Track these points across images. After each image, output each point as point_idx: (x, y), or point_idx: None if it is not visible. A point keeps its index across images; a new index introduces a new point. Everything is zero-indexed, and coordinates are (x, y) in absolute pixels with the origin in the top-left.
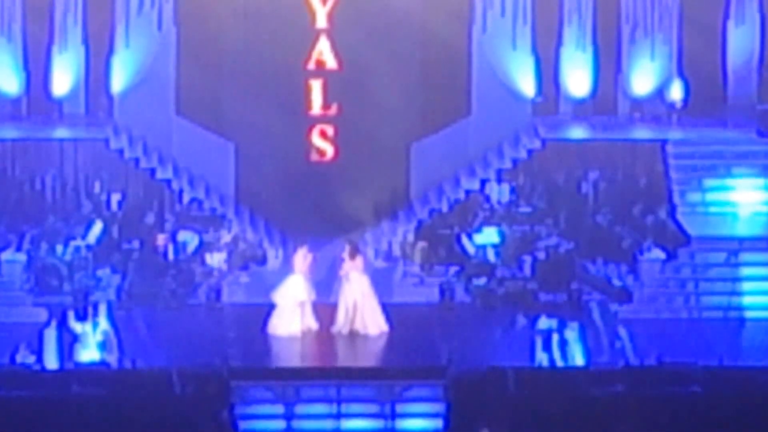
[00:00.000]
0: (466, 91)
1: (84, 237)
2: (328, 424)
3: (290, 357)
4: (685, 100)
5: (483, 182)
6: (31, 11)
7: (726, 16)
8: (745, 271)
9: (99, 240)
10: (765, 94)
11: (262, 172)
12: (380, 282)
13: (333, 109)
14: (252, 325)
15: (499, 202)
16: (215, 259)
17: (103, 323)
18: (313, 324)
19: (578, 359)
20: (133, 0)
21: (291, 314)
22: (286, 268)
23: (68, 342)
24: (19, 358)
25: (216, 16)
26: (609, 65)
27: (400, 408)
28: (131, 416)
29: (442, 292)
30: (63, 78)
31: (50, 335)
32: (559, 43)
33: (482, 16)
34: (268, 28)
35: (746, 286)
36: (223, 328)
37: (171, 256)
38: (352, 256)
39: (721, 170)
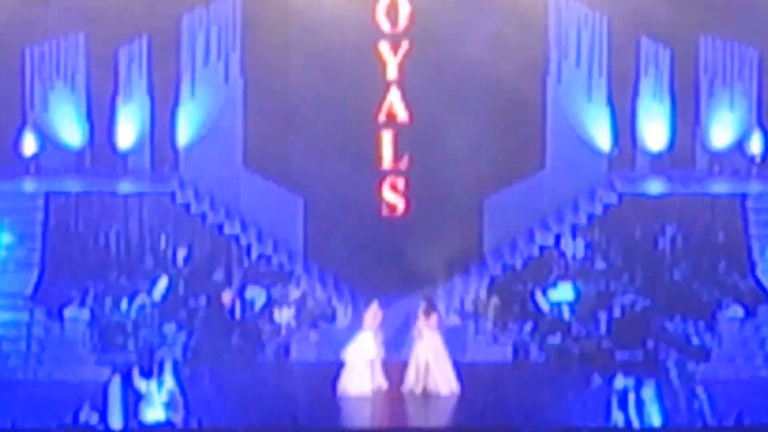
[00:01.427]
0: (541, 144)
1: (149, 293)
2: None
3: (360, 417)
4: (765, 154)
5: (557, 237)
6: (95, 61)
7: None
8: None
9: (164, 296)
10: None
11: (332, 227)
12: (452, 340)
13: (404, 162)
14: (321, 384)
15: (574, 258)
16: (283, 316)
17: (169, 381)
18: (383, 383)
19: (655, 420)
20: (200, 51)
21: (361, 373)
22: (356, 325)
23: (133, 401)
24: (82, 418)
25: (284, 67)
26: (687, 117)
27: None
28: None
29: (515, 350)
30: (127, 130)
31: (114, 394)
32: (635, 94)
33: (557, 66)
34: (337, 79)
35: None
36: (291, 386)
37: (238, 313)
38: (427, 313)
39: None
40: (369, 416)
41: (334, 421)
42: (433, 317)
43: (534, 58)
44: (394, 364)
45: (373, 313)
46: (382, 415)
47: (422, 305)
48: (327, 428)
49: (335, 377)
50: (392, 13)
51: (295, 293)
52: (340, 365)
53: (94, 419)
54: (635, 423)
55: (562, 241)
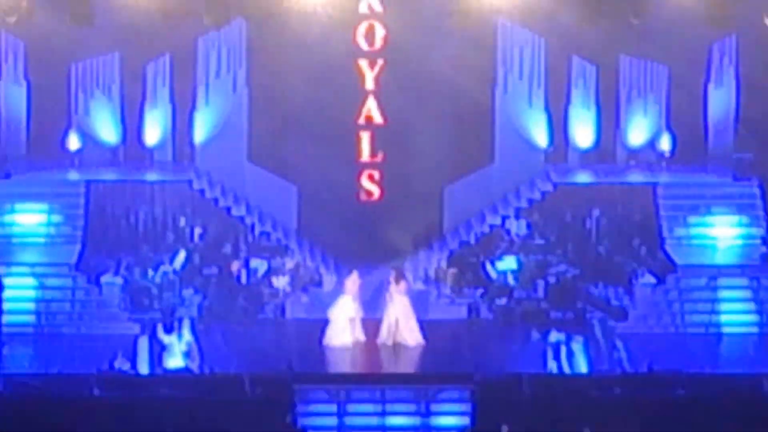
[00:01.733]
0: (490, 142)
1: (171, 263)
2: (374, 421)
3: (342, 364)
4: (673, 150)
5: (504, 218)
6: (128, 74)
7: (707, 80)
8: (723, 293)
9: (183, 266)
10: (739, 145)
11: (320, 210)
12: (418, 302)
13: (379, 157)
14: (311, 337)
15: (517, 235)
16: (280, 282)
17: (187, 335)
18: (361, 337)
19: (582, 367)
20: (212, 65)
21: (343, 328)
22: (339, 289)
23: (157, 351)
24: (116, 365)
25: (282, 79)
26: (609, 121)
27: (434, 407)
28: (209, 415)
29: (469, 310)
30: (153, 130)
31: (142, 346)
32: (567, 102)
33: (503, 79)
34: (325, 89)
35: (723, 306)
36: (286, 340)
37: (244, 279)
38: (397, 280)
39: (702, 209)
40: (349, 363)
41: (322, 368)
42: (402, 283)
43: (485, 73)
44: (370, 321)
45: (353, 280)
46: (360, 363)
47: (393, 274)
48: (315, 373)
49: (322, 332)
50: (370, 35)
51: (289, 263)
52: (325, 322)
53: (126, 366)
54: (566, 369)
55: (508, 222)
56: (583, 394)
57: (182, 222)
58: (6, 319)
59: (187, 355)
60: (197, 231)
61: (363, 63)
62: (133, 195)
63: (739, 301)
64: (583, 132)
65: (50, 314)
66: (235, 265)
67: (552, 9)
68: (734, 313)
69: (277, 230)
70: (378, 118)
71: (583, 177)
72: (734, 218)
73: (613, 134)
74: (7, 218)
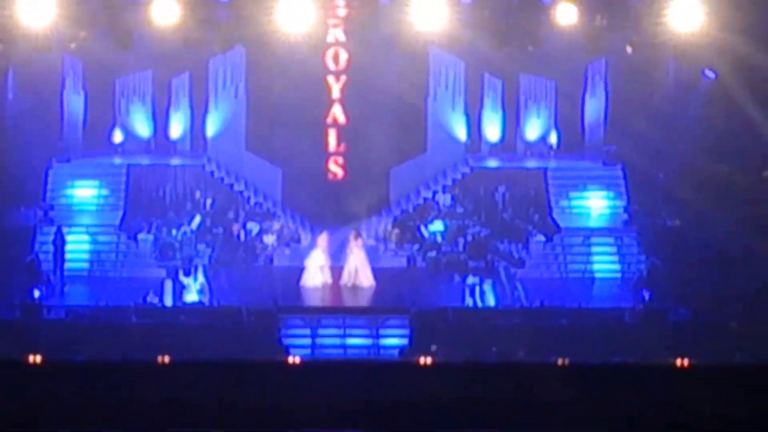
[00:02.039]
0: (424, 137)
1: (189, 225)
2: (337, 341)
3: (314, 300)
4: (558, 143)
5: (434, 193)
6: (157, 86)
7: (584, 91)
8: (594, 249)
9: (198, 227)
10: (607, 139)
11: (298, 186)
12: (371, 254)
13: (342, 147)
14: (291, 280)
15: (444, 205)
16: (269, 239)
17: (200, 278)
18: (329, 279)
19: (491, 302)
20: (220, 79)
21: (314, 273)
22: (313, 245)
23: (179, 290)
24: (148, 299)
25: (271, 89)
26: (511, 122)
27: (381, 332)
28: (217, 336)
29: (408, 261)
30: (176, 128)
31: (167, 286)
32: (481, 107)
33: (434, 90)
34: (302, 96)
35: (595, 258)
36: (273, 282)
37: (242, 237)
38: (356, 238)
39: (580, 186)
40: (320, 299)
41: (299, 302)
42: (359, 240)
43: (420, 85)
44: (335, 268)
45: (323, 238)
46: (328, 299)
47: (353, 233)
48: (294, 306)
49: (299, 276)
50: (336, 58)
51: (276, 225)
52: (302, 269)
53: (156, 300)
54: (479, 304)
55: (437, 195)
56: (491, 322)
57: (197, 195)
58: (67, 265)
59: (200, 292)
60: (208, 201)
61: (330, 78)
62: (162, 175)
63: (607, 255)
64: (492, 130)
65: (99, 262)
66: (236, 227)
67: (469, 38)
68: (603, 263)
69: (267, 201)
70: (342, 119)
71: (493, 162)
72: (603, 193)
73: (514, 131)
74: (68, 192)
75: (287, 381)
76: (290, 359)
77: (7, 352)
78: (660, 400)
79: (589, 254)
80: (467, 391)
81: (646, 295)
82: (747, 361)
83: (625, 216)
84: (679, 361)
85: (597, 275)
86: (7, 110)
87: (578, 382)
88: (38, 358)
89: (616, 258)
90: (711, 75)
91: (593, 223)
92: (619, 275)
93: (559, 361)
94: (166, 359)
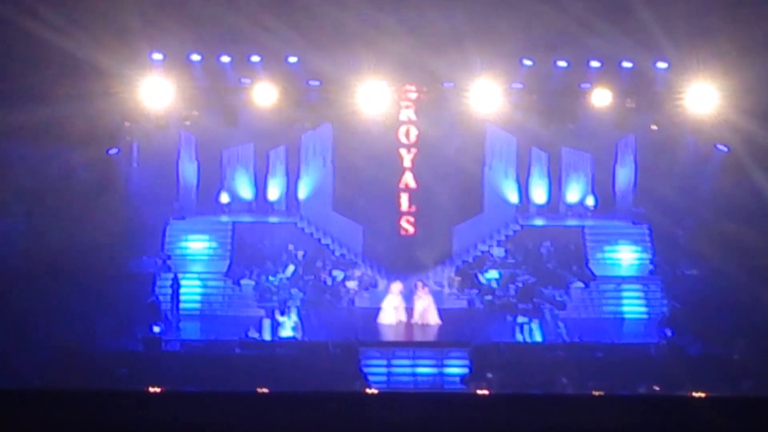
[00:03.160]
0: (480, 200)
1: (284, 272)
2: (408, 370)
3: (389, 335)
4: (595, 205)
5: (490, 247)
6: (258, 156)
7: (615, 162)
8: (625, 294)
9: (292, 275)
10: (636, 202)
11: (375, 241)
12: (436, 297)
13: (413, 208)
14: (370, 318)
15: (498, 257)
16: (351, 285)
17: (294, 317)
18: (402, 318)
19: (537, 338)
20: (310, 151)
21: (389, 313)
22: (388, 289)
23: (275, 327)
24: (249, 334)
25: (353, 159)
26: (555, 187)
27: (446, 362)
28: (307, 365)
29: (468, 303)
30: (274, 191)
31: (266, 323)
32: (529, 174)
33: (489, 160)
34: (379, 165)
35: (625, 301)
36: (355, 320)
37: (329, 283)
38: (423, 287)
39: (613, 241)
40: (394, 335)
41: (377, 337)
42: (426, 288)
43: (478, 156)
44: (407, 309)
45: (396, 284)
46: (401, 335)
47: (420, 283)
48: (373, 341)
49: (376, 315)
50: (407, 133)
51: (357, 273)
52: (379, 309)
53: (256, 336)
54: (527, 340)
55: (492, 249)
56: (538, 354)
57: (291, 247)
58: (182, 305)
59: (293, 329)
60: (300, 253)
61: (403, 150)
62: (261, 231)
63: (635, 299)
64: (539, 194)
65: (209, 303)
66: (324, 274)
67: (520, 117)
68: (632, 306)
69: (350, 253)
70: (412, 184)
71: (539, 221)
72: (632, 247)
73: (557, 195)
74: (183, 244)
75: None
76: (368, 390)
77: (132, 378)
78: (679, 428)
79: (621, 298)
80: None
81: (669, 333)
82: (757, 394)
83: (651, 266)
84: (696, 393)
85: (627, 316)
86: (132, 176)
87: (611, 411)
88: (158, 389)
89: (643, 301)
90: (723, 149)
91: (624, 272)
92: (645, 316)
93: (595, 393)
94: (265, 390)
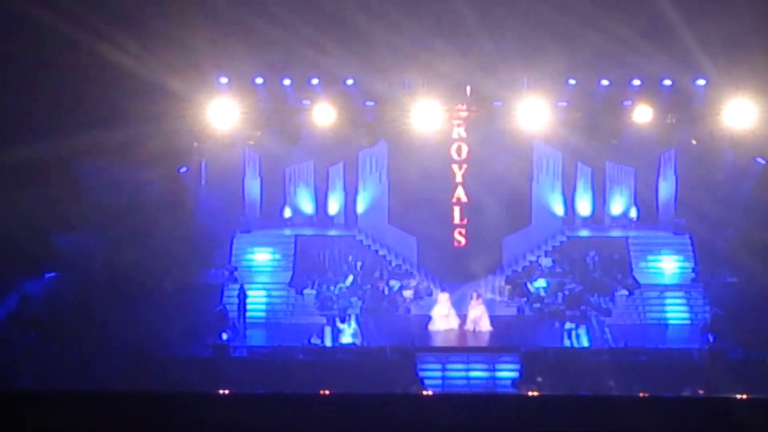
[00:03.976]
0: (528, 212)
1: (344, 282)
2: (462, 374)
3: (444, 341)
4: (638, 217)
5: (538, 257)
6: (318, 173)
7: (658, 175)
8: (668, 301)
9: (351, 284)
10: (677, 213)
11: (430, 251)
12: (488, 305)
13: (464, 221)
14: (425, 325)
15: (546, 267)
16: (407, 294)
17: (353, 324)
18: (455, 325)
19: (584, 343)
20: (367, 167)
21: (439, 321)
22: (441, 298)
23: (336, 333)
24: (312, 341)
25: (407, 175)
26: (599, 200)
27: (497, 366)
28: (366, 370)
29: (518, 310)
30: (333, 205)
31: (327, 330)
32: (574, 189)
33: (537, 175)
34: (433, 181)
35: (668, 308)
36: (411, 327)
37: (386, 292)
38: (477, 297)
39: (656, 251)
40: (448, 341)
41: (432, 343)
42: (480, 299)
43: (526, 171)
44: (460, 316)
45: (444, 294)
46: (455, 340)
47: (474, 293)
48: (428, 346)
49: (427, 322)
50: (459, 150)
51: (413, 282)
52: (430, 317)
53: (318, 342)
54: (575, 345)
55: (540, 259)
56: (585, 359)
57: (350, 258)
58: (248, 314)
59: (353, 335)
60: (359, 264)
61: (455, 166)
62: (322, 243)
63: (678, 305)
64: (584, 206)
65: (273, 311)
66: (381, 284)
67: (565, 134)
68: (675, 312)
69: (405, 263)
70: (464, 198)
71: (584, 232)
72: (675, 257)
73: (602, 208)
74: (249, 256)
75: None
76: (424, 392)
77: (202, 382)
78: (723, 428)
79: (664, 305)
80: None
81: (710, 338)
82: None
83: (693, 274)
84: (738, 396)
85: (670, 322)
86: (201, 193)
87: (656, 413)
88: (227, 391)
89: (685, 308)
90: (761, 161)
91: (667, 280)
92: (688, 322)
93: (641, 394)
94: (327, 392)
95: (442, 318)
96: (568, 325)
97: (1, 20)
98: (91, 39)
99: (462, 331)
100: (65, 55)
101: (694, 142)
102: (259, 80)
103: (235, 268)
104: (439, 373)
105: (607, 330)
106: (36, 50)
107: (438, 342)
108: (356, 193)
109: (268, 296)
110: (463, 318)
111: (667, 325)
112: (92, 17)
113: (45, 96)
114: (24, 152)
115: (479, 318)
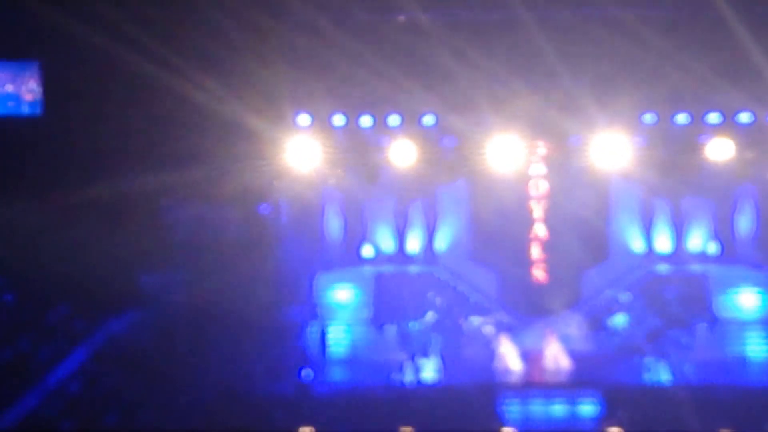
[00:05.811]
0: (607, 247)
1: (424, 318)
2: (542, 409)
3: (522, 377)
4: (717, 252)
5: (617, 292)
6: (398, 210)
7: (735, 209)
8: (748, 335)
9: (431, 321)
10: (757, 248)
11: (510, 288)
12: (567, 340)
13: (544, 257)
14: (504, 361)
15: (625, 302)
16: (488, 330)
17: (434, 361)
18: (535, 361)
19: (665, 379)
20: (445, 204)
21: (521, 357)
22: (521, 333)
23: (416, 370)
24: (392, 377)
25: (486, 211)
26: (678, 234)
27: (578, 402)
28: (447, 406)
29: (597, 346)
30: (413, 243)
31: (408, 366)
32: (651, 224)
33: (614, 210)
34: (510, 218)
35: (749, 343)
36: (491, 363)
37: (466, 327)
38: (552, 333)
39: (735, 285)
40: (529, 376)
41: (508, 378)
42: (555, 334)
43: (603, 206)
44: (540, 352)
45: (528, 328)
46: (536, 376)
47: (550, 329)
48: (506, 382)
49: (507, 358)
50: (536, 186)
51: (493, 318)
52: (513, 352)
53: (398, 378)
54: (656, 380)
55: (618, 294)
56: (666, 395)
57: (430, 295)
58: (329, 351)
59: (433, 372)
60: (438, 300)
61: (533, 202)
62: (402, 280)
63: (759, 340)
64: (662, 242)
65: (354, 348)
66: (461, 320)
67: (642, 169)
68: (755, 347)
69: (485, 299)
70: (543, 234)
71: (663, 267)
72: (754, 291)
73: (680, 243)
74: (329, 294)
75: None
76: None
77: (286, 419)
78: None
79: (745, 340)
80: None
81: None
82: None
83: None
84: None
85: (752, 357)
86: (282, 231)
87: None
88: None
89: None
90: None
91: (746, 315)
92: None
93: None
94: (409, 429)
95: (522, 354)
96: (648, 361)
97: (95, 63)
98: (177, 82)
99: (541, 366)
100: (151, 95)
101: None
102: (338, 119)
103: (317, 306)
104: (519, 409)
105: (687, 365)
106: (125, 91)
107: (518, 378)
108: (435, 230)
109: (349, 333)
110: (542, 354)
111: (748, 360)
112: (176, 59)
113: (133, 136)
114: (112, 190)
115: (558, 354)
